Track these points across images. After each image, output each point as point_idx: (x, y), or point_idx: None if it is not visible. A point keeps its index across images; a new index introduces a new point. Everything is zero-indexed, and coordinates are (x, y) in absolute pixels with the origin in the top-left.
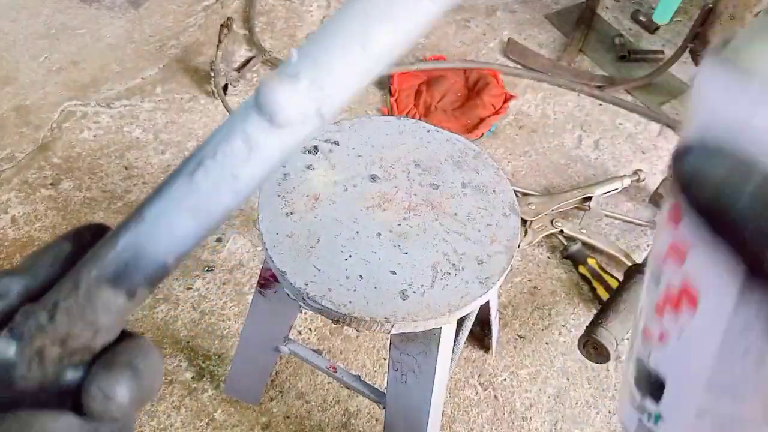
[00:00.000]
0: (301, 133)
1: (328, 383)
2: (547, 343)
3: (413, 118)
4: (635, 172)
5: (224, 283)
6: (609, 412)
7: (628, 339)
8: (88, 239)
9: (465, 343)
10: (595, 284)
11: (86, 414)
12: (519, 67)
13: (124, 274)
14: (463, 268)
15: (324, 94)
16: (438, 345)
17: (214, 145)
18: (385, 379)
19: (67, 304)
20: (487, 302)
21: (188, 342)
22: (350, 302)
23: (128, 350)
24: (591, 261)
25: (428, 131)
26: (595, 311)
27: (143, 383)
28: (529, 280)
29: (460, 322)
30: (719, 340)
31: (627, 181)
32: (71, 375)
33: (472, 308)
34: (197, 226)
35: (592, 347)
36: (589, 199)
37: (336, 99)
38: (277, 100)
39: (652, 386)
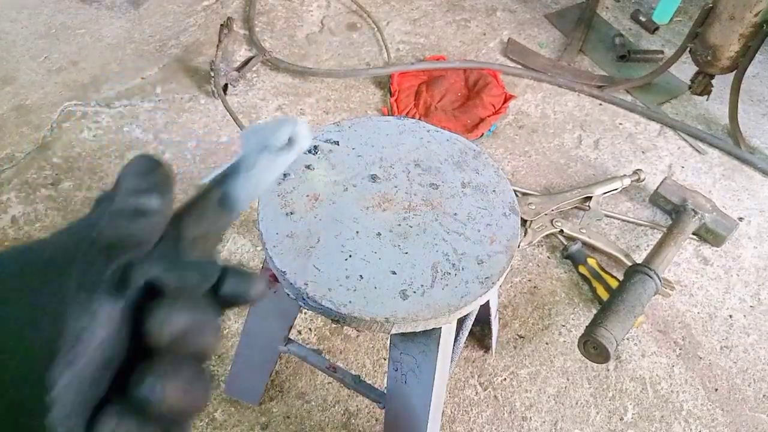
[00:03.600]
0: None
1: (328, 383)
2: (547, 343)
3: (413, 118)
4: (635, 172)
5: None
6: (609, 411)
7: (627, 339)
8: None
9: (465, 343)
10: (595, 284)
11: (224, 299)
12: (519, 67)
13: (228, 204)
14: (463, 268)
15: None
16: (438, 345)
17: (253, 157)
18: (385, 379)
19: (207, 215)
20: (487, 302)
21: None
22: (350, 302)
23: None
24: (591, 261)
25: (428, 131)
26: (595, 311)
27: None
28: (529, 280)
29: (460, 322)
30: None
31: (627, 181)
32: (214, 267)
33: (472, 308)
34: (253, 189)
35: (592, 347)
36: (589, 199)
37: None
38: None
39: None
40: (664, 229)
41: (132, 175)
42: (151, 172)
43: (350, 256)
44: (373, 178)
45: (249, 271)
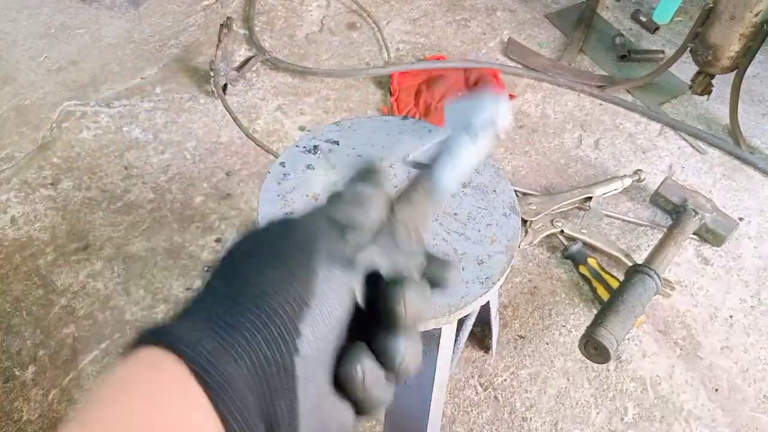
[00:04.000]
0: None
1: None
2: (547, 344)
3: (413, 117)
4: (635, 172)
5: None
6: (609, 412)
7: (628, 339)
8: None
9: (465, 343)
10: (595, 284)
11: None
12: (519, 66)
13: (436, 192)
14: (463, 268)
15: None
16: (438, 345)
17: (456, 144)
18: None
19: (417, 203)
20: (488, 302)
21: None
22: None
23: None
24: (591, 261)
25: (428, 131)
26: (595, 311)
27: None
28: (530, 280)
29: (461, 322)
30: None
31: (627, 181)
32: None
33: (472, 308)
34: (459, 174)
35: (593, 347)
36: (589, 199)
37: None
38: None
39: None
40: (665, 229)
41: (355, 175)
42: (368, 172)
43: None
44: None
45: (447, 259)
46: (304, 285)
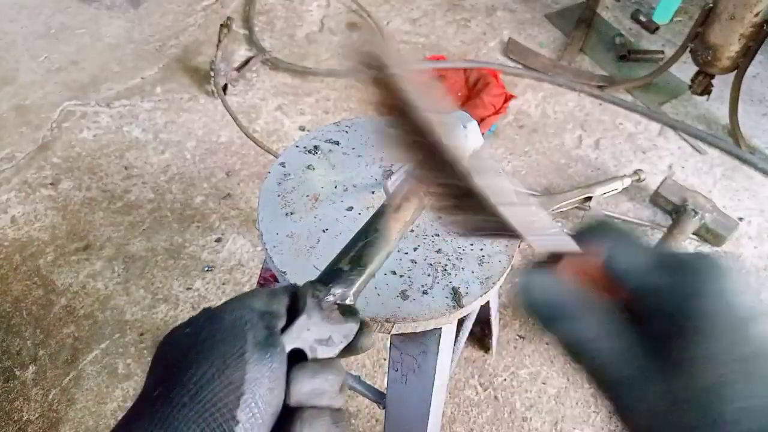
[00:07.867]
0: None
1: None
2: (547, 344)
3: None
4: (635, 172)
5: (224, 283)
6: (609, 412)
7: None
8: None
9: (465, 343)
10: None
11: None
12: (519, 66)
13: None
14: (463, 268)
15: None
16: (438, 345)
17: None
18: (385, 379)
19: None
20: (488, 302)
21: None
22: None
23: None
24: None
25: None
26: None
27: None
28: None
29: (461, 322)
30: None
31: (627, 181)
32: (350, 321)
33: (473, 308)
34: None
35: None
36: (589, 199)
37: None
38: None
39: None
40: (665, 229)
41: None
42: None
43: None
44: (373, 177)
45: (365, 323)
46: (237, 373)
